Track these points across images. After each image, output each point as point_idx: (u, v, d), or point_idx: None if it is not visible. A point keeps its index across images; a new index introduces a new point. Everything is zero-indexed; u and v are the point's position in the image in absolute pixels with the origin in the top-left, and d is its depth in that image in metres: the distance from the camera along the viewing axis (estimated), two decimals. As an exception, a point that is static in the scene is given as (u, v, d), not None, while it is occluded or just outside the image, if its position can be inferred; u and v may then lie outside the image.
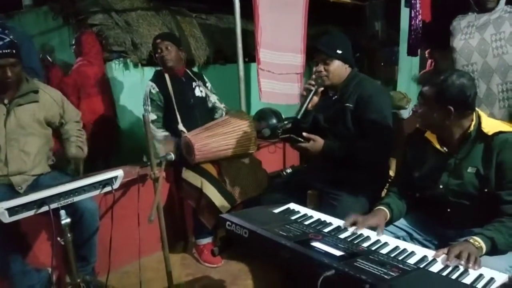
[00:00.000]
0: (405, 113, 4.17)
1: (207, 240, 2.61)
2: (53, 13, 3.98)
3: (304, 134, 1.96)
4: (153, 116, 2.65)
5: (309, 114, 2.10)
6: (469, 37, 2.49)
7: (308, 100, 2.00)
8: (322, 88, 2.04)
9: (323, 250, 1.33)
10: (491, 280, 1.22)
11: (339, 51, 2.02)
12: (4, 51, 1.90)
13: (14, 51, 1.94)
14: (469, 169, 1.58)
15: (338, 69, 2.03)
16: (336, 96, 2.07)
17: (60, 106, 2.21)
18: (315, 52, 2.07)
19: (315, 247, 1.35)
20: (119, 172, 1.77)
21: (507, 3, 2.53)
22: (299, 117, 1.98)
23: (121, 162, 3.20)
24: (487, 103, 2.51)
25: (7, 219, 1.48)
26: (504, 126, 1.59)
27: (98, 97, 3.52)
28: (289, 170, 2.97)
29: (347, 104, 2.00)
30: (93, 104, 3.47)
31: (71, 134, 2.25)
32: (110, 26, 3.65)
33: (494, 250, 1.42)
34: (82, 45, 3.45)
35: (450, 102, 1.52)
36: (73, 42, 3.55)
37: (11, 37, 1.95)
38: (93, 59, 3.47)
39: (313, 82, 2.02)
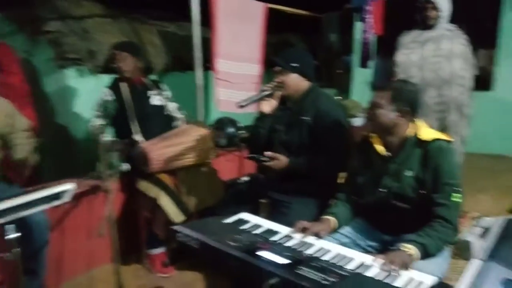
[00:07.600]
0: (357, 121, 4.33)
1: (159, 250, 2.56)
2: (8, 19, 3.87)
3: (268, 153, 2.00)
4: (100, 122, 2.70)
5: (266, 119, 2.14)
6: (411, 52, 2.65)
7: (258, 96, 2.08)
8: (280, 93, 2.10)
9: (269, 259, 1.39)
10: (421, 283, 1.32)
11: (294, 64, 2.06)
12: None
13: None
14: (408, 173, 1.68)
15: (294, 81, 2.08)
16: (292, 108, 2.13)
17: (10, 115, 2.16)
18: (273, 63, 2.11)
19: (261, 256, 1.40)
20: (69, 186, 1.75)
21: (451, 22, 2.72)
22: (243, 104, 2.03)
23: (76, 172, 3.14)
24: (421, 114, 2.68)
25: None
26: (439, 134, 1.72)
27: (31, 108, 3.21)
28: (245, 178, 3.01)
29: (304, 118, 2.05)
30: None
31: (18, 142, 2.19)
32: (66, 33, 3.58)
33: (426, 255, 1.52)
34: None
35: (406, 103, 1.67)
36: None
37: None
38: (14, 70, 3.20)
39: (269, 86, 2.10)
